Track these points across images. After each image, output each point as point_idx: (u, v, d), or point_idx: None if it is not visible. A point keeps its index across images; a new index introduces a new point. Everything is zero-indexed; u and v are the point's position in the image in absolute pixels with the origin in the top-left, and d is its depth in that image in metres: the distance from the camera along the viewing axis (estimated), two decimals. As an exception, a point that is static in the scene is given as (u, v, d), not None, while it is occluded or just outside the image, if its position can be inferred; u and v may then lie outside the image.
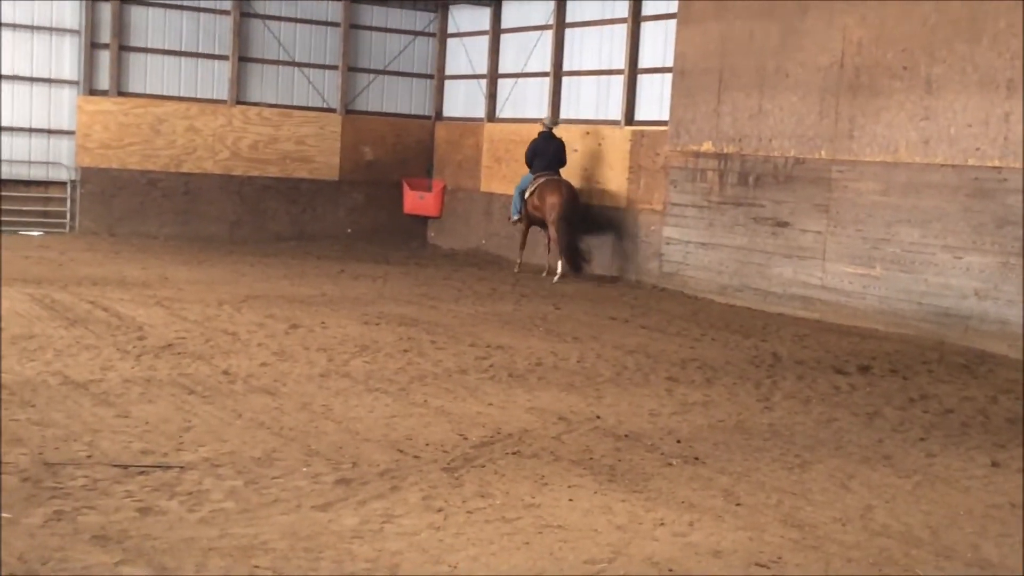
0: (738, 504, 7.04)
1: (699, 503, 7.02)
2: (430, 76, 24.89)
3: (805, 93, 16.24)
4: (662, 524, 6.57)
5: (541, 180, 19.29)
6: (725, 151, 17.50)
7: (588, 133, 20.60)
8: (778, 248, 16.63)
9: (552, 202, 18.89)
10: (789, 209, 16.47)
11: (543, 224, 19.46)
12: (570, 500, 6.91)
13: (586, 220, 19.73)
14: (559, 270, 19.02)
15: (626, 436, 8.62)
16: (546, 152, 19.61)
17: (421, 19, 24.57)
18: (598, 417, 9.20)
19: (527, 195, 19.50)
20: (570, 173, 19.90)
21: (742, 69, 17.21)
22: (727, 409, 9.83)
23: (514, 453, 7.91)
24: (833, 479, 7.76)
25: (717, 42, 17.62)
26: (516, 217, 19.98)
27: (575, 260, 19.21)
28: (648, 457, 8.06)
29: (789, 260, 16.43)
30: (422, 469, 7.38)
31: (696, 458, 8.09)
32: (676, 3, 18.55)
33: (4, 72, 21.22)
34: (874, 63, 15.32)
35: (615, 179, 19.88)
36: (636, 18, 19.74)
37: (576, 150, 20.74)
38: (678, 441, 8.56)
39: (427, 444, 8.00)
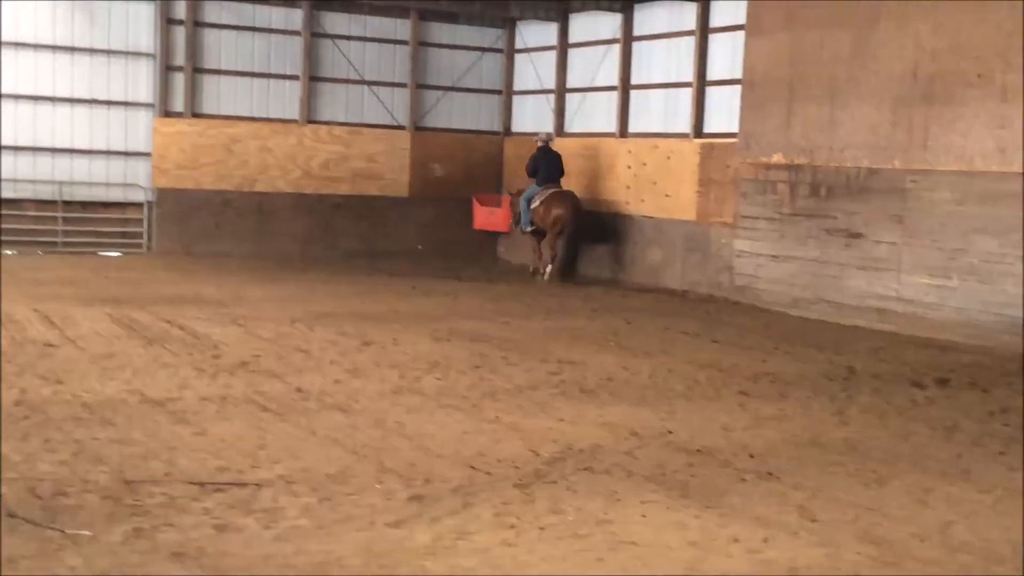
0: (814, 520, 6.96)
1: (774, 519, 6.94)
2: (498, 92, 24.99)
3: (878, 102, 16.05)
4: (736, 541, 6.51)
5: (549, 192, 20.58)
6: (796, 162, 17.35)
7: (656, 147, 20.55)
8: (852, 260, 16.43)
9: (556, 214, 20.29)
10: (863, 220, 16.28)
11: (545, 231, 20.75)
12: (643, 516, 6.87)
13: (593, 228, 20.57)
14: (546, 272, 20.65)
15: (699, 451, 8.56)
16: (548, 164, 20.81)
17: (489, 35, 24.69)
18: (670, 432, 9.15)
19: (533, 205, 20.64)
20: (641, 186, 19.89)
21: (813, 79, 17.06)
22: (801, 423, 9.72)
23: (586, 469, 7.89)
24: (911, 494, 7.64)
25: (787, 52, 17.49)
26: (529, 228, 21.09)
27: (572, 269, 20.78)
28: (721, 473, 7.99)
29: (863, 272, 16.23)
30: (494, 485, 7.38)
31: (770, 473, 8.01)
32: (744, 14, 18.45)
33: (83, 96, 21.68)
34: (948, 71, 15.11)
35: (684, 192, 19.80)
36: (704, 30, 19.68)
37: (645, 164, 20.72)
38: (752, 456, 8.48)
39: (499, 460, 8.01)
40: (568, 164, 22.71)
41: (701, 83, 19.75)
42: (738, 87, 18.65)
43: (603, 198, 21.85)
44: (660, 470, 7.96)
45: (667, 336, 14.50)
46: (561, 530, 6.54)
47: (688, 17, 20.06)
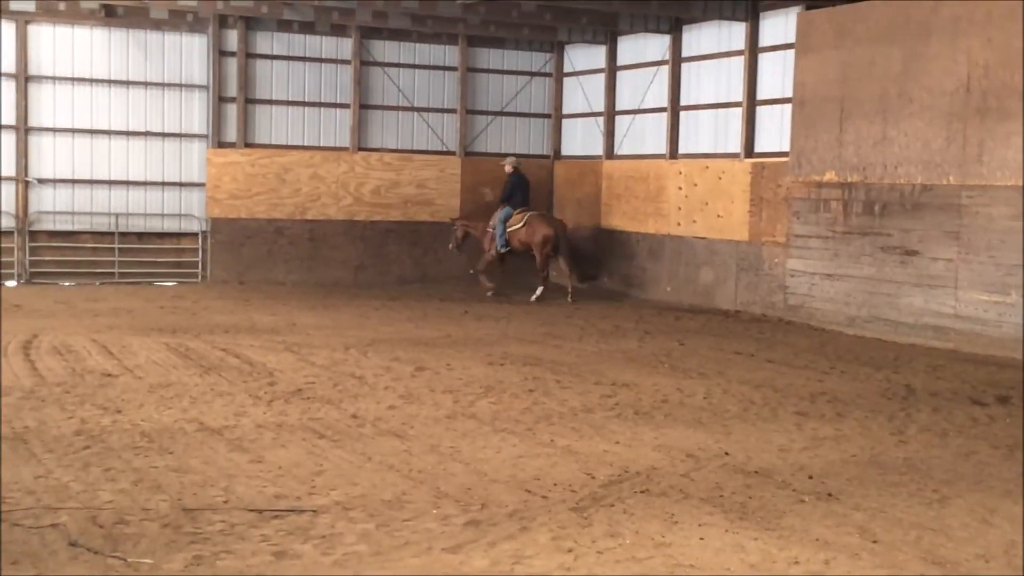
0: (875, 541, 6.87)
1: (834, 541, 6.87)
2: (547, 116, 25.05)
3: (931, 118, 15.90)
4: (796, 563, 6.44)
5: (529, 214, 21.09)
6: (849, 180, 17.22)
7: (707, 167, 20.48)
8: (908, 277, 16.26)
9: (546, 235, 20.69)
10: (918, 237, 16.11)
11: (524, 253, 21.13)
12: (701, 539, 6.82)
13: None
14: (537, 293, 20.82)
15: (756, 473, 8.49)
16: (521, 189, 21.35)
17: (537, 60, 24.76)
18: (727, 454, 9.09)
19: (513, 228, 21.01)
20: (692, 207, 19.81)
21: (864, 96, 16.94)
22: (860, 443, 9.61)
23: (643, 492, 7.85)
24: (974, 514, 7.52)
25: (837, 70, 17.38)
26: (504, 250, 21.30)
27: (582, 277, 21.32)
28: (779, 494, 7.92)
29: (919, 289, 16.05)
30: (551, 509, 7.36)
31: (829, 494, 7.92)
32: (794, 32, 18.38)
33: (138, 129, 22.00)
34: (1001, 85, 14.94)
35: (736, 212, 19.70)
36: (753, 49, 19.61)
37: (695, 184, 20.66)
38: (810, 477, 8.40)
39: (555, 484, 7.99)
40: (617, 187, 22.79)
41: (751, 102, 19.67)
42: (788, 106, 18.56)
43: (653, 220, 21.80)
44: (717, 492, 7.90)
45: (721, 357, 14.41)
46: (619, 554, 6.51)
47: (737, 37, 20.01)
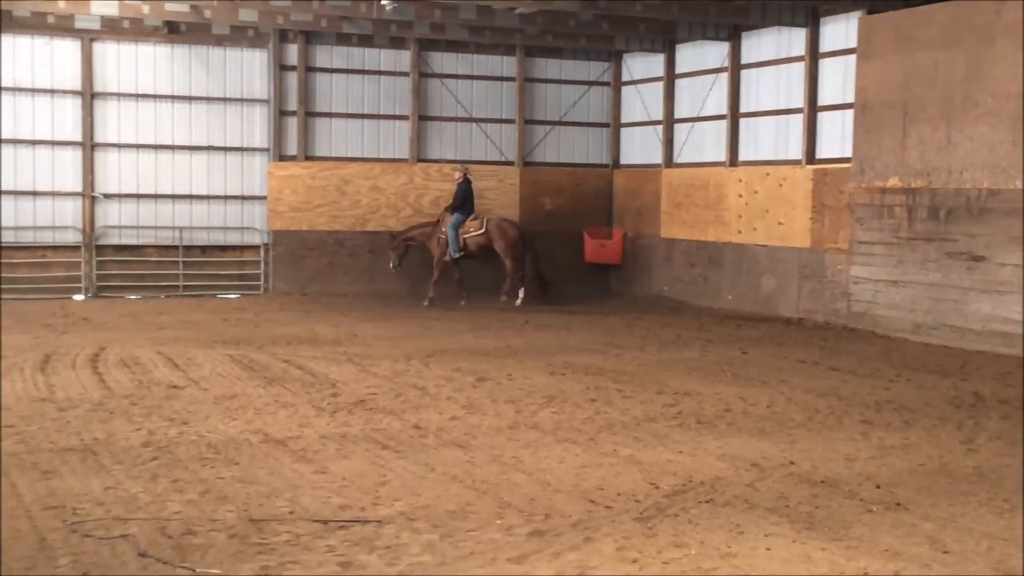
0: (945, 552, 6.77)
1: (903, 551, 6.77)
2: (606, 125, 25.01)
3: (996, 122, 15.67)
4: (866, 573, 6.36)
5: (486, 219, 21.45)
6: (913, 186, 17.01)
7: (768, 174, 20.34)
8: (975, 283, 16.02)
9: (513, 238, 21.23)
10: (984, 242, 15.87)
11: (480, 257, 21.53)
12: (768, 549, 6.76)
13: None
14: (520, 296, 21.30)
15: (822, 482, 8.40)
16: (471, 196, 21.55)
17: (595, 69, 24.74)
18: (792, 463, 8.99)
19: (471, 233, 21.27)
20: (752, 214, 19.68)
21: (928, 101, 16.73)
22: (928, 452, 9.48)
23: (707, 501, 7.80)
24: (1047, 524, 7.38)
25: (900, 75, 17.19)
26: (459, 255, 21.39)
27: (544, 286, 21.64)
28: (847, 504, 7.82)
29: (987, 295, 15.81)
30: (615, 519, 7.33)
31: (898, 504, 7.82)
32: (855, 37, 18.20)
33: (200, 143, 22.28)
34: (1069, 87, 14.68)
35: (798, 219, 19.53)
36: (814, 55, 19.45)
37: (756, 192, 20.53)
38: (877, 487, 8.29)
39: (618, 494, 7.96)
40: (677, 195, 22.70)
41: (812, 108, 19.51)
42: (851, 111, 18.37)
43: (713, 228, 21.69)
44: (783, 502, 7.83)
45: (784, 365, 14.28)
46: (685, 564, 6.47)
47: (797, 42, 19.86)
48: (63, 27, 21.23)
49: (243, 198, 22.59)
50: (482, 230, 21.35)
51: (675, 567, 6.42)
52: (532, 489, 8.08)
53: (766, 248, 20.34)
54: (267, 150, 22.63)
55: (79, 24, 21.24)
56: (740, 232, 21.01)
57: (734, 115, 21.44)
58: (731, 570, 6.37)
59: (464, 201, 21.49)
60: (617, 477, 8.46)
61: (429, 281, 21.57)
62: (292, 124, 22.70)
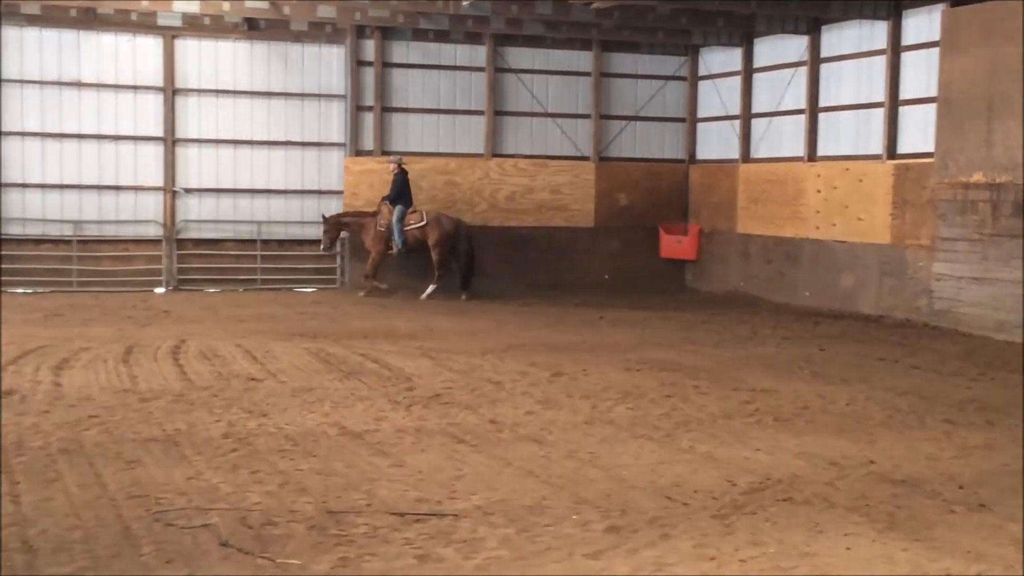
0: (1032, 554, 6.63)
1: (988, 552, 6.64)
2: (682, 120, 24.84)
3: (1084, 115, 15.30)
4: (948, 575, 6.25)
5: (425, 212, 21.50)
6: (998, 181, 16.67)
7: (848, 169, 20.07)
8: (1060, 280, 15.66)
9: (449, 231, 21.22)
10: (1071, 239, 15.52)
11: (420, 248, 21.35)
12: (847, 549, 6.67)
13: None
14: (429, 290, 21.21)
15: (903, 482, 8.27)
16: (408, 187, 21.35)
17: (671, 63, 24.59)
18: (872, 462, 8.87)
19: (414, 225, 21.22)
20: (831, 210, 19.41)
21: (1013, 94, 16.38)
22: (1013, 452, 9.29)
23: (785, 500, 7.72)
24: None
25: (985, 68, 16.85)
26: (404, 249, 21.35)
27: (468, 281, 21.56)
28: (928, 504, 7.70)
29: (1073, 293, 15.45)
30: (692, 516, 7.29)
31: (982, 505, 7.67)
32: (938, 30, 17.89)
33: (278, 138, 22.52)
34: None
35: (878, 215, 19.25)
36: (896, 48, 19.14)
37: (835, 187, 20.27)
38: (960, 487, 8.15)
39: (695, 491, 7.91)
40: (754, 191, 22.50)
41: (894, 103, 19.20)
42: (933, 105, 18.05)
43: (791, 224, 21.46)
44: (863, 501, 7.72)
45: (864, 363, 14.09)
46: (763, 563, 6.41)
47: (879, 36, 19.56)
48: (146, 24, 21.57)
49: (320, 193, 22.79)
50: (423, 222, 21.29)
51: (753, 565, 6.37)
52: (608, 485, 8.06)
53: (845, 244, 20.08)
54: (344, 145, 22.81)
55: (161, 21, 21.57)
56: (818, 228, 20.76)
57: (813, 109, 21.17)
58: (810, 569, 6.30)
59: (401, 192, 21.29)
60: (694, 474, 8.40)
61: (367, 274, 21.63)
62: (368, 119, 22.84)
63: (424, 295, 21.08)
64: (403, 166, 21.45)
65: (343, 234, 21.98)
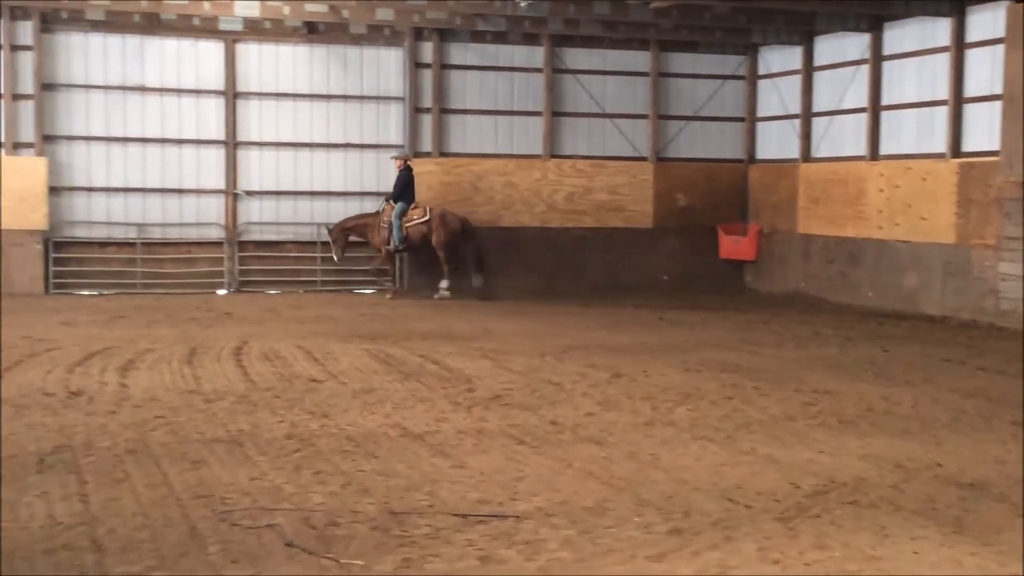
0: (1104, 560, 6.51)
1: (1059, 558, 6.54)
2: (741, 119, 24.68)
3: None
4: (1018, 580, 6.16)
5: (429, 208, 21.37)
6: (1064, 179, 16.39)
7: (910, 168, 19.82)
8: None
9: (454, 228, 21.24)
10: None
11: (423, 244, 21.38)
12: (915, 553, 6.59)
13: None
14: (441, 289, 21.34)
15: (971, 485, 8.15)
16: (412, 184, 21.33)
17: (730, 63, 24.44)
18: (938, 465, 8.75)
19: (414, 222, 21.16)
20: (894, 209, 19.20)
21: (1080, 91, 16.10)
22: (1083, 456, 9.13)
23: (850, 503, 7.64)
24: None
25: (1051, 64, 16.57)
26: (403, 245, 21.32)
27: (480, 276, 21.61)
28: (997, 508, 7.58)
29: None
30: (755, 519, 7.23)
31: (1052, 509, 7.55)
32: (1003, 27, 17.62)
33: (338, 141, 22.67)
34: None
35: (942, 214, 19.00)
36: (959, 45, 18.89)
37: (898, 186, 20.04)
38: (1029, 491, 8.02)
39: (758, 493, 7.85)
40: (815, 190, 22.30)
41: (958, 100, 18.94)
42: (999, 103, 17.78)
43: (853, 223, 21.24)
44: (930, 504, 7.62)
45: (928, 364, 13.91)
46: (828, 566, 6.35)
47: (942, 33, 19.31)
48: (207, 29, 21.84)
49: (379, 194, 22.87)
50: (425, 218, 21.25)
51: (818, 569, 6.31)
52: (670, 487, 8.02)
53: (908, 244, 19.84)
54: (402, 147, 22.90)
55: (223, 26, 21.83)
56: (881, 228, 20.53)
57: (875, 108, 20.94)
58: (876, 573, 6.23)
59: (404, 189, 21.28)
60: (756, 476, 8.34)
61: (379, 275, 21.91)
62: (427, 121, 22.94)
63: (438, 294, 21.24)
64: (408, 163, 21.48)
65: (351, 239, 21.94)
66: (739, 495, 7.80)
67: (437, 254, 21.47)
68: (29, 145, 21.13)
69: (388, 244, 21.33)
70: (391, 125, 23.00)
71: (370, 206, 22.76)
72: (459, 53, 23.08)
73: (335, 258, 21.89)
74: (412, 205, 21.37)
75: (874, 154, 20.97)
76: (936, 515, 7.37)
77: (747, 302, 21.84)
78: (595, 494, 7.80)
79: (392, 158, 21.71)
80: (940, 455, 9.08)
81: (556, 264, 23.54)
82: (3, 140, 20.96)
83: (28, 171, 20.92)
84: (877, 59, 20.89)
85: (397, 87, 22.92)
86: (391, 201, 21.38)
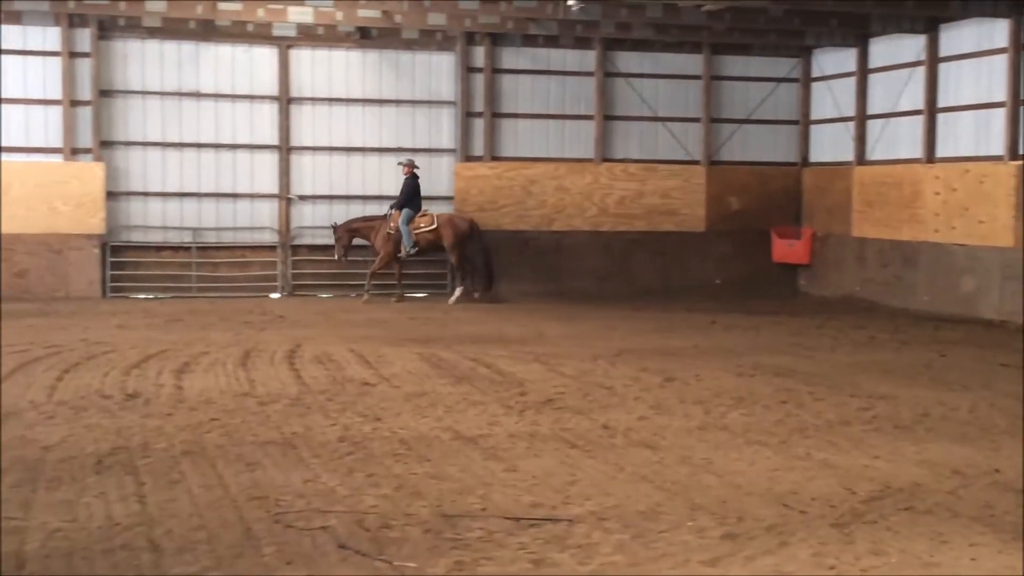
0: None
1: (1122, 567, 6.42)
2: (794, 122, 24.50)
3: None
4: (1080, 589, 6.06)
5: (436, 214, 21.38)
6: (1126, 181, 16.12)
7: (967, 171, 19.58)
8: None
9: (463, 231, 21.22)
10: None
11: (432, 251, 21.50)
12: (972, 560, 6.52)
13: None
14: (457, 294, 21.39)
15: (1030, 492, 8.04)
16: (418, 191, 21.23)
17: (783, 65, 24.27)
18: (997, 471, 8.64)
19: (421, 229, 21.14)
20: (950, 213, 18.97)
21: None
22: None
23: (907, 509, 7.56)
24: None
25: (1111, 64, 16.30)
26: (414, 251, 21.21)
27: (491, 281, 21.65)
28: (1057, 515, 7.47)
29: None
30: (810, 524, 7.17)
31: (1114, 517, 7.42)
32: (1062, 27, 17.37)
33: (390, 145, 22.78)
34: None
35: (1000, 217, 18.74)
36: (1017, 46, 18.64)
37: (954, 189, 19.80)
38: (1091, 498, 7.89)
39: (813, 498, 7.78)
40: (869, 193, 22.10)
41: (1016, 102, 18.67)
42: (1057, 104, 17.53)
43: (908, 227, 21.01)
44: (988, 511, 7.52)
45: (986, 369, 13.73)
46: (884, 572, 6.29)
47: (999, 34, 19.05)
48: (261, 35, 22.04)
49: (431, 198, 22.94)
50: (433, 226, 21.19)
51: (874, 575, 6.24)
52: (723, 491, 7.98)
53: (965, 247, 19.59)
54: (454, 151, 22.98)
55: (276, 32, 22.01)
56: (937, 231, 20.29)
57: (931, 110, 20.71)
58: (934, 580, 6.17)
59: (411, 196, 21.19)
60: (811, 481, 8.27)
61: (369, 278, 21.55)
62: (479, 125, 22.99)
63: (452, 299, 21.21)
64: (415, 170, 21.38)
65: (356, 240, 21.84)
66: (794, 500, 7.74)
67: (450, 259, 21.53)
68: (87, 151, 21.42)
69: (399, 251, 21.37)
70: (443, 130, 23.07)
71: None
72: (511, 57, 23.11)
73: (336, 257, 21.85)
74: (420, 213, 21.31)
75: (930, 156, 20.73)
76: (994, 522, 7.27)
77: (800, 306, 21.68)
78: (648, 498, 7.77)
79: (399, 164, 21.67)
80: (998, 461, 8.96)
81: (608, 268, 23.50)
82: (62, 145, 21.27)
83: (86, 176, 21.23)
84: (933, 61, 20.65)
85: (449, 91, 22.99)
86: (397, 209, 21.25)
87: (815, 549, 6.67)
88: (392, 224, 21.31)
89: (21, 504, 7.41)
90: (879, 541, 6.83)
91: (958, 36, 20.16)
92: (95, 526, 6.96)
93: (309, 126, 22.56)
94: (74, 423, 10.00)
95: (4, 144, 21.03)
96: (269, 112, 22.35)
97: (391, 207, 21.43)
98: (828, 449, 9.35)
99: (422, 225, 21.27)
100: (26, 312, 18.49)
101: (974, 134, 19.80)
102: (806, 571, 6.30)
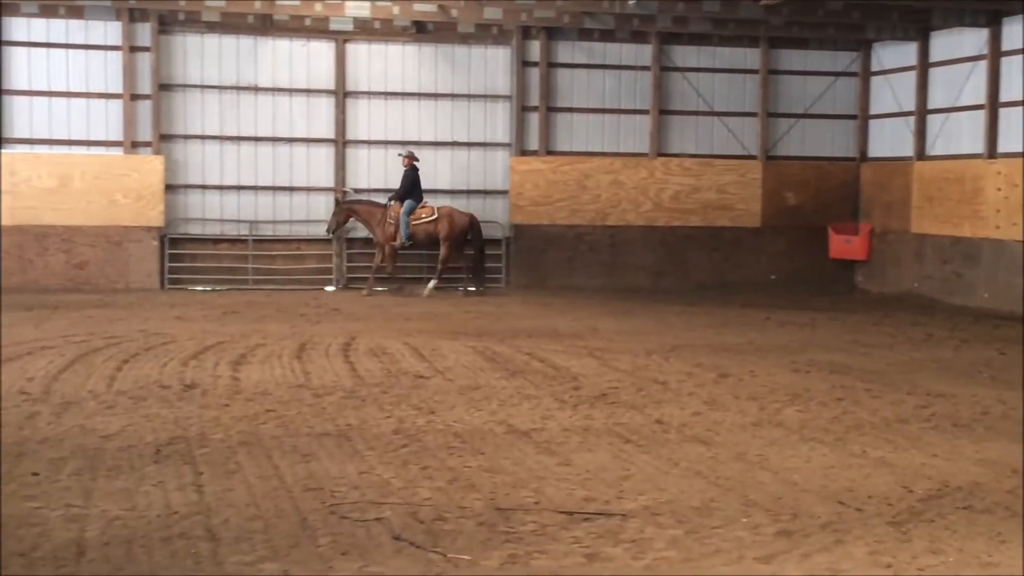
0: None
1: None
2: (853, 117, 24.26)
3: None
4: None
5: (437, 207, 21.32)
6: None
7: (1030, 166, 19.31)
8: None
9: (463, 225, 21.23)
10: None
11: (430, 245, 21.52)
12: (1032, 561, 6.43)
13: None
14: (431, 285, 21.27)
15: (1092, 492, 7.91)
16: (418, 182, 21.18)
17: (842, 59, 24.03)
18: (1057, 471, 8.52)
19: (420, 221, 21.12)
20: (1013, 209, 18.70)
21: None
22: None
23: (965, 508, 7.48)
24: None
25: None
26: (409, 243, 21.25)
27: (481, 276, 21.80)
28: (1120, 516, 7.35)
29: None
30: (866, 522, 7.12)
31: None
32: None
33: (445, 139, 22.84)
34: None
35: (1062, 213, 18.46)
36: (1081, 40, 18.34)
37: (1017, 185, 19.51)
38: None
39: (869, 496, 7.72)
40: (929, 189, 21.84)
41: (1079, 96, 18.39)
42: (1122, 98, 17.23)
43: (969, 223, 20.74)
44: (1049, 512, 7.42)
45: (1047, 368, 13.53)
46: (942, 571, 6.23)
47: (1062, 27, 18.78)
48: (319, 29, 22.17)
49: (485, 192, 23.04)
50: (433, 217, 21.15)
51: (931, 573, 6.18)
52: (778, 488, 7.93)
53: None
54: (509, 145, 23.00)
55: (333, 26, 22.13)
56: (999, 227, 20.01)
57: (993, 105, 20.42)
58: (993, 580, 6.09)
59: (412, 188, 21.16)
60: (867, 479, 8.20)
61: (371, 270, 21.70)
62: (534, 119, 22.99)
63: (426, 291, 21.13)
64: (415, 162, 21.33)
65: (351, 220, 21.84)
66: (850, 498, 7.68)
67: (440, 249, 21.33)
68: (147, 144, 21.69)
69: (394, 240, 21.37)
70: (498, 124, 23.10)
71: (476, 205, 22.85)
72: (567, 51, 23.08)
73: (327, 230, 21.87)
74: (421, 204, 21.33)
75: (992, 152, 20.45)
76: (1055, 522, 7.18)
77: (857, 303, 21.47)
78: (702, 494, 7.75)
79: (399, 155, 21.67)
80: (1059, 461, 8.83)
81: (662, 263, 23.43)
82: (122, 139, 21.55)
83: (146, 169, 21.49)
84: (995, 55, 20.37)
85: (504, 86, 23.01)
86: (399, 200, 21.25)
87: (871, 547, 6.62)
88: (392, 215, 21.36)
89: (82, 492, 7.53)
90: (936, 540, 6.77)
91: (1020, 30, 19.84)
92: (154, 514, 7.06)
93: (365, 120, 22.67)
94: (133, 413, 10.14)
95: (67, 137, 21.41)
96: (325, 106, 22.49)
97: (390, 198, 21.49)
98: (885, 447, 9.26)
99: (423, 216, 21.32)
100: (86, 303, 18.76)
101: (1037, 129, 19.51)
102: (862, 569, 6.25)
